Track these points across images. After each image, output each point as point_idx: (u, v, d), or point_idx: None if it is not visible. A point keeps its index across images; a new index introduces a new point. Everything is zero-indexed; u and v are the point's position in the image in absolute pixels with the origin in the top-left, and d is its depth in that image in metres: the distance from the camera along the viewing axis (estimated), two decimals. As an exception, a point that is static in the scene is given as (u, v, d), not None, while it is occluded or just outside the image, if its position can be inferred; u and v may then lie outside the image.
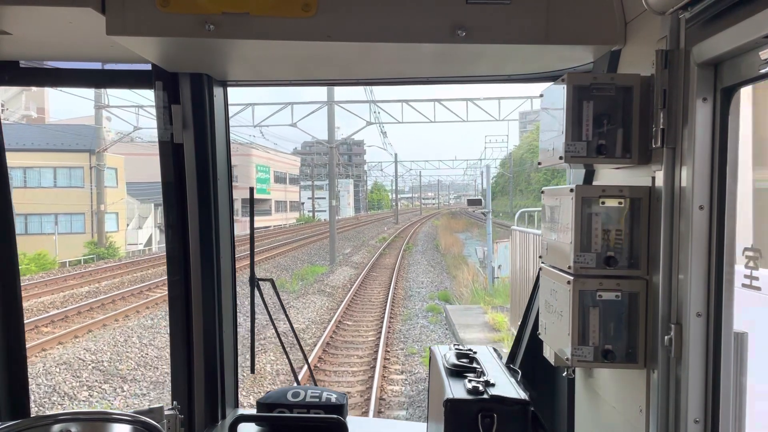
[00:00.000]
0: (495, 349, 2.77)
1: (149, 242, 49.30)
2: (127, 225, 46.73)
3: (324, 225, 59.47)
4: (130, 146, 45.17)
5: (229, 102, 3.21)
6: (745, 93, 1.80)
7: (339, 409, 2.81)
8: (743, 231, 3.20)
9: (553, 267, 2.15)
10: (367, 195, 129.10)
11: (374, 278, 25.85)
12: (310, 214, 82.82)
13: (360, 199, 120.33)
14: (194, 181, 2.95)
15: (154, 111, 2.92)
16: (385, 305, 18.88)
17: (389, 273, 26.79)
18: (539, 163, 2.27)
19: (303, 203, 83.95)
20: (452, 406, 2.19)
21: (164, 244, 3.08)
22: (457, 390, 2.25)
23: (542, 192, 2.33)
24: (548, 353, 2.35)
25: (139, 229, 49.03)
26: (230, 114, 3.24)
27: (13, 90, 38.16)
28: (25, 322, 3.09)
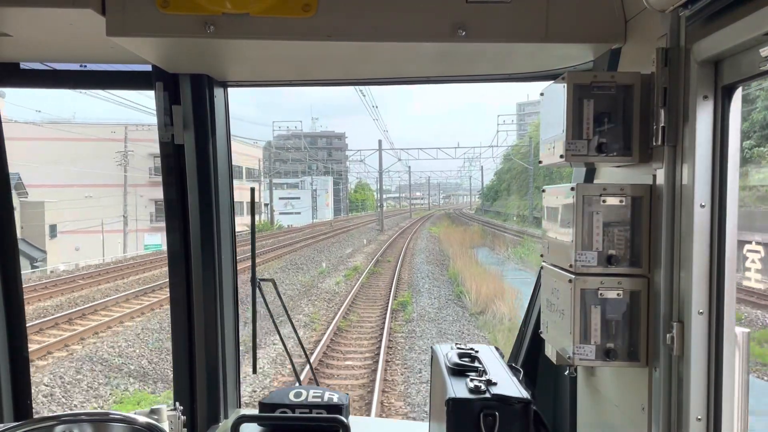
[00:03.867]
0: (497, 348, 2.77)
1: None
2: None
3: (283, 234, 45.42)
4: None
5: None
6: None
7: (341, 409, 2.81)
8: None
9: (555, 266, 2.15)
10: (349, 195, 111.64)
11: None
12: (278, 218, 63.83)
13: (341, 198, 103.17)
14: (195, 182, 2.95)
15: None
16: None
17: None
18: (540, 162, 2.27)
19: (267, 204, 65.20)
20: (454, 405, 2.19)
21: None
22: (458, 389, 2.25)
23: (543, 191, 2.33)
24: (550, 352, 2.35)
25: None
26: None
27: None
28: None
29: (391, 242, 39.96)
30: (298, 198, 74.24)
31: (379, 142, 61.02)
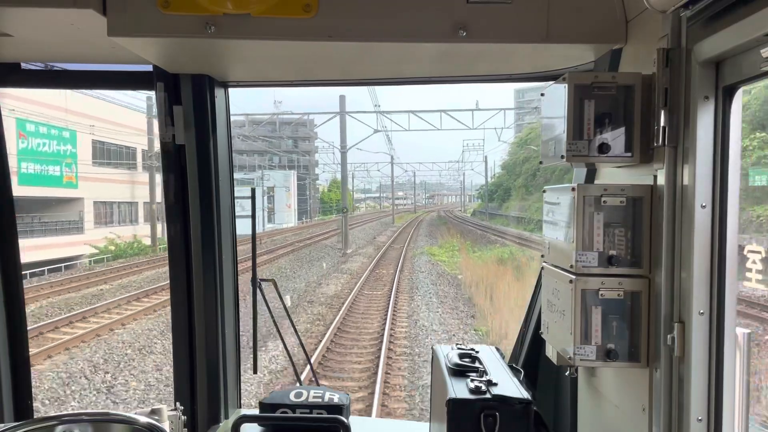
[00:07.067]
0: (497, 349, 2.77)
1: None
2: None
3: (131, 271, 24.91)
4: None
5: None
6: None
7: (341, 409, 2.81)
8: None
9: (555, 266, 2.15)
10: (322, 194, 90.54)
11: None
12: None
13: (308, 197, 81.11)
14: (196, 182, 2.96)
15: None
16: None
17: None
18: (541, 162, 2.27)
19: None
20: (455, 405, 2.19)
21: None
22: (459, 389, 2.25)
23: (544, 191, 2.33)
24: (551, 352, 2.35)
25: None
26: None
27: None
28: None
29: (352, 306, 17.59)
30: (247, 198, 51.27)
31: (341, 98, 36.33)
